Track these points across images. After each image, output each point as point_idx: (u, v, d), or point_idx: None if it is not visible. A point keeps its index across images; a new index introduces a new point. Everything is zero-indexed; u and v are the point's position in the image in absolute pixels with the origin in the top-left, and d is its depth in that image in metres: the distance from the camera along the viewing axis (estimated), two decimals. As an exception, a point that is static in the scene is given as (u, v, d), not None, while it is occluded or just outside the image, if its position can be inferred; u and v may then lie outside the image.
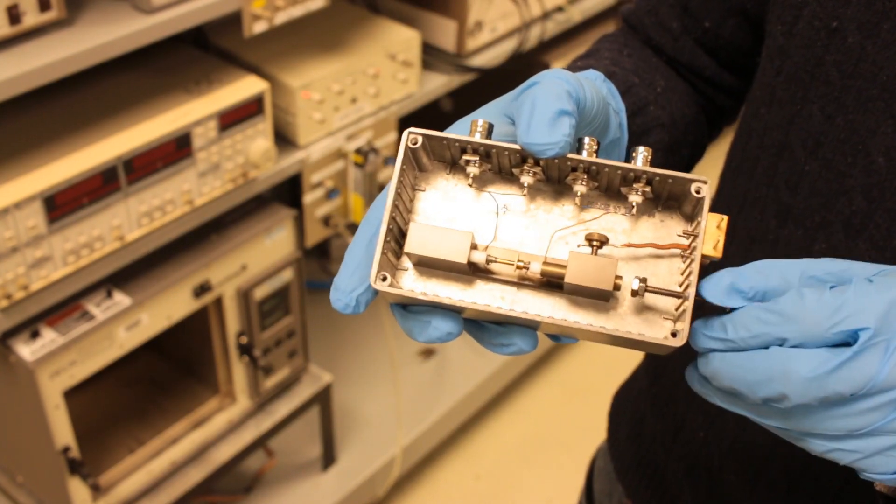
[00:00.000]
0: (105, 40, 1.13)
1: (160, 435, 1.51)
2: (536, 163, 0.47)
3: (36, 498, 1.45)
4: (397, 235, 0.47)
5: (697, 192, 0.46)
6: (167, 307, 1.34)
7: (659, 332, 0.46)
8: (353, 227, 1.64)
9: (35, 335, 1.22)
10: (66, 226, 1.16)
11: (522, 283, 0.47)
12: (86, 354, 1.26)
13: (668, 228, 0.48)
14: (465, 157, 0.48)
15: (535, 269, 0.46)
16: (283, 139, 1.45)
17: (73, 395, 1.29)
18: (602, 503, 0.90)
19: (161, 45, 1.26)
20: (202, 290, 1.38)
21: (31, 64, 1.08)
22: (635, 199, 0.47)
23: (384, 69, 1.51)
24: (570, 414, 2.14)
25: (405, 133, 0.47)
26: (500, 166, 0.49)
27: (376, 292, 0.46)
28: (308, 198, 1.51)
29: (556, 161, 0.46)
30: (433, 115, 2.11)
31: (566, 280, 0.45)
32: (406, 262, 0.48)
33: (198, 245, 1.39)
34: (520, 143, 0.46)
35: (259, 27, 1.27)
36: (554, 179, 0.49)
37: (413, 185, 0.49)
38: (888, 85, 0.56)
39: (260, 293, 1.47)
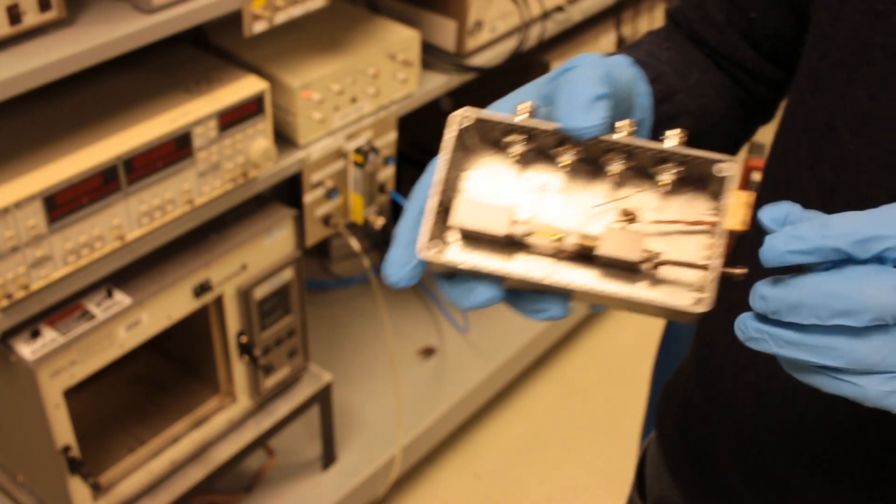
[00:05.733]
0: (105, 40, 1.13)
1: (160, 434, 1.51)
2: (576, 143, 0.50)
3: (36, 497, 1.45)
4: (443, 210, 0.50)
5: (722, 171, 0.48)
6: (167, 307, 1.34)
7: (684, 301, 0.48)
8: (353, 227, 1.64)
9: (35, 335, 1.22)
10: (66, 225, 1.16)
11: (559, 255, 0.50)
12: (86, 354, 1.26)
13: (696, 207, 0.51)
14: (510, 137, 0.51)
15: (571, 241, 0.49)
16: (283, 139, 1.45)
17: (74, 395, 1.30)
18: (653, 487, 0.92)
19: (161, 45, 1.26)
20: (202, 289, 1.38)
21: (31, 64, 1.08)
22: (666, 178, 0.50)
23: (384, 69, 1.51)
24: (570, 414, 2.14)
25: (456, 114, 0.50)
26: (541, 147, 0.51)
27: (425, 265, 0.49)
28: (308, 197, 1.51)
29: (595, 142, 0.49)
30: (433, 114, 2.11)
31: (599, 252, 0.48)
32: (452, 237, 0.51)
33: (198, 245, 1.39)
34: (560, 127, 0.48)
35: (259, 27, 1.28)
36: (591, 160, 0.51)
37: (458, 165, 0.52)
38: None
39: (260, 293, 1.47)
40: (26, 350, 1.21)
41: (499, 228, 0.48)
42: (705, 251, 0.49)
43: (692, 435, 0.83)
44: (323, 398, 1.68)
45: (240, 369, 1.53)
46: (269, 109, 1.34)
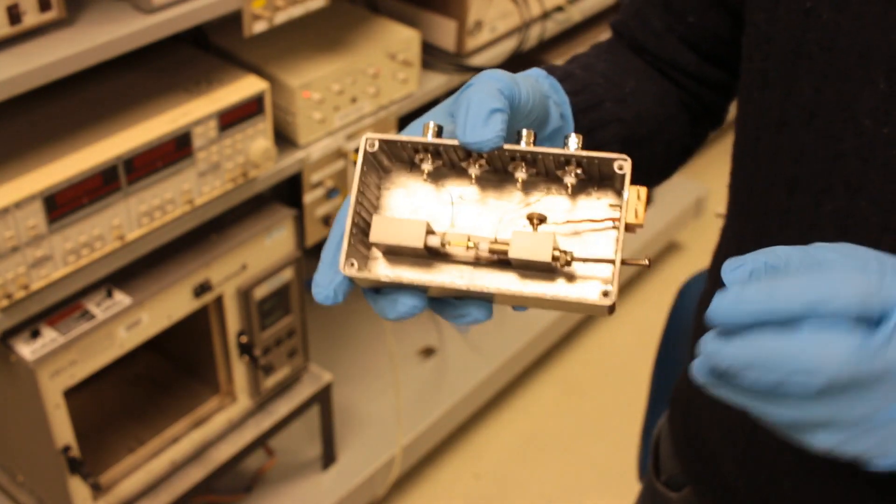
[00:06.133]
0: (105, 40, 1.13)
1: (160, 434, 1.51)
2: (480, 155, 0.53)
3: (37, 497, 1.45)
4: (365, 229, 0.53)
5: (620, 168, 0.51)
6: (167, 307, 1.34)
7: (594, 295, 0.51)
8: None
9: (35, 335, 1.22)
10: (66, 225, 1.16)
11: (478, 263, 0.53)
12: (86, 354, 1.26)
13: (603, 205, 0.53)
14: (418, 156, 0.54)
15: (484, 247, 0.52)
16: (283, 139, 1.45)
17: (74, 395, 1.30)
18: (666, 464, 0.96)
19: (161, 45, 1.27)
20: (202, 289, 1.38)
21: (31, 63, 1.08)
22: (569, 180, 0.52)
23: (384, 69, 1.51)
24: (570, 414, 2.15)
25: (363, 138, 0.53)
26: (450, 161, 0.54)
27: (351, 282, 0.52)
28: (308, 197, 1.51)
29: (497, 153, 0.52)
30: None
31: (510, 255, 0.50)
32: (376, 253, 0.54)
33: (198, 244, 1.39)
34: (459, 141, 0.51)
35: (259, 27, 1.28)
36: (499, 169, 0.54)
37: (378, 185, 0.55)
38: (864, 53, 0.62)
39: (260, 293, 1.47)
40: (26, 350, 1.21)
41: (415, 241, 0.51)
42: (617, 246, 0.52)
43: (690, 424, 0.87)
44: (323, 398, 1.68)
45: (240, 369, 1.53)
46: (269, 109, 1.34)
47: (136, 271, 1.33)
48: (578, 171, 0.52)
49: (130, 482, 1.45)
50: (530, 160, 0.53)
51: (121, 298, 1.30)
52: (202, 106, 1.27)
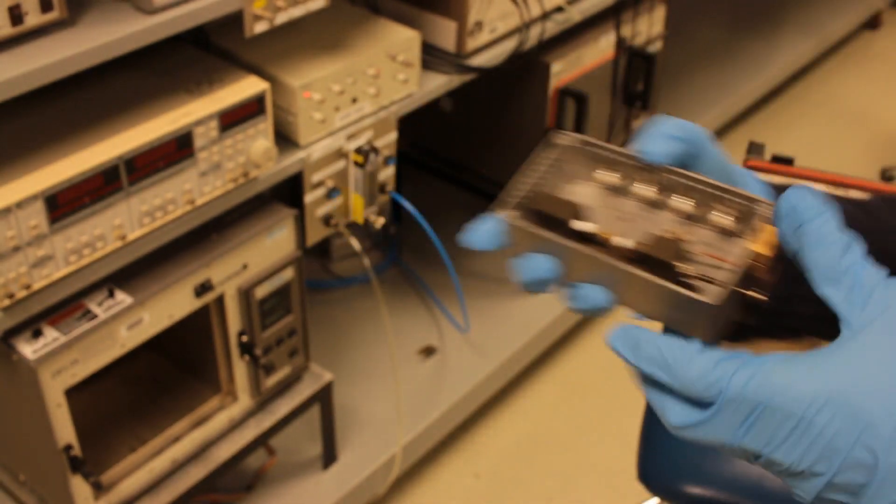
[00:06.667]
0: (106, 40, 1.14)
1: (161, 433, 1.51)
2: (650, 176, 0.57)
3: (38, 496, 1.45)
4: (527, 204, 0.57)
5: (761, 213, 0.53)
6: (168, 306, 1.35)
7: (696, 292, 0.53)
8: (353, 227, 1.64)
9: (37, 334, 1.22)
10: (67, 225, 1.17)
11: (612, 259, 0.56)
12: (88, 353, 1.26)
13: (745, 250, 0.55)
14: (601, 168, 0.58)
15: (622, 242, 0.54)
16: (284, 139, 1.46)
17: (75, 394, 1.30)
18: None
19: (162, 46, 1.27)
20: (203, 289, 1.38)
21: (32, 64, 1.08)
22: (723, 220, 0.55)
23: (384, 69, 1.52)
24: (571, 414, 2.15)
25: (554, 132, 0.58)
26: (623, 177, 0.58)
27: (502, 236, 0.56)
28: (309, 197, 1.51)
29: (664, 177, 0.56)
30: (433, 115, 2.11)
31: (642, 250, 0.53)
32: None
33: (199, 244, 1.40)
34: (634, 148, 0.56)
35: (260, 27, 1.28)
36: (662, 191, 0.58)
37: (551, 183, 0.59)
38: None
39: (261, 292, 1.47)
40: (28, 349, 1.21)
41: (564, 214, 0.55)
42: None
43: None
44: (323, 397, 1.69)
45: (241, 369, 1.54)
46: (270, 110, 1.35)
47: (138, 271, 1.33)
48: (734, 213, 0.54)
49: (132, 481, 1.45)
50: (695, 193, 0.56)
51: (122, 298, 1.30)
52: (203, 106, 1.28)
